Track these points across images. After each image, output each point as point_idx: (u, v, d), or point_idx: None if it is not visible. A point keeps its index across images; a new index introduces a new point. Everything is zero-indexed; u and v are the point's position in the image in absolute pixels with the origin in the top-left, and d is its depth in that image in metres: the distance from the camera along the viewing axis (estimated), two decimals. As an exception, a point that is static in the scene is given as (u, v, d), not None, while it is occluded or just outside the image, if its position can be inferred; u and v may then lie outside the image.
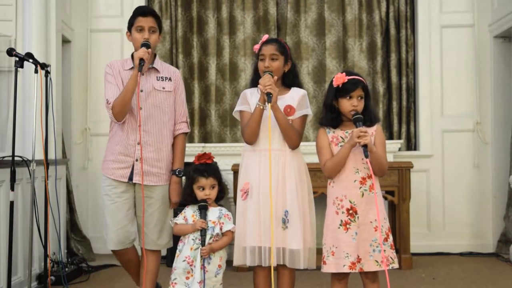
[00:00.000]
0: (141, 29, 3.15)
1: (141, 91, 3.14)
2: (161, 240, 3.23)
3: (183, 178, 3.25)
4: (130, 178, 3.14)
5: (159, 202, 3.20)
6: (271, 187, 2.86)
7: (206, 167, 2.98)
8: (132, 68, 3.14)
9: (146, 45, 3.08)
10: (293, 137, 2.97)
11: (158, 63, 3.26)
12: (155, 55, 3.27)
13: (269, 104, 2.84)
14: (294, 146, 3.00)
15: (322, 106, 2.95)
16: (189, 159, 3.29)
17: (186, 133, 3.33)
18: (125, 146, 3.13)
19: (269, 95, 2.85)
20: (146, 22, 3.15)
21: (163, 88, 3.21)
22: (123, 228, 3.16)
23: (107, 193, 3.17)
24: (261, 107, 2.92)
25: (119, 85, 3.14)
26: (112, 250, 3.23)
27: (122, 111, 3.07)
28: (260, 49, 3.04)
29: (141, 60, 3.02)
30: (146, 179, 3.15)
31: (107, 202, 3.17)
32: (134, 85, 3.04)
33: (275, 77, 2.95)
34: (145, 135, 3.14)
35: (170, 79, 3.25)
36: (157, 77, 3.21)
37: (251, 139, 2.99)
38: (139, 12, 3.18)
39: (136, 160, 3.12)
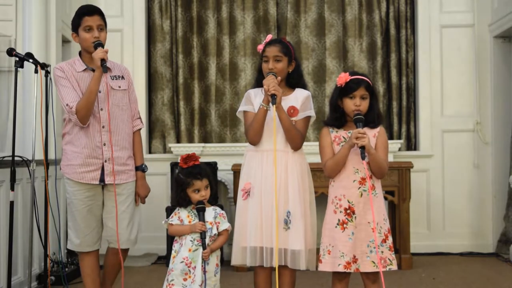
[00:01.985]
0: (90, 29, 3.11)
1: (99, 91, 3.12)
2: (132, 236, 3.25)
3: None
4: (101, 180, 3.13)
5: (129, 199, 3.22)
6: (275, 187, 2.86)
7: (199, 169, 2.96)
8: (85, 69, 3.12)
9: (100, 44, 3.06)
10: (296, 138, 2.96)
11: (108, 62, 3.21)
12: None
13: (273, 105, 2.84)
14: (296, 147, 2.99)
15: (329, 106, 2.96)
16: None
17: (140, 129, 3.37)
18: (92, 149, 3.12)
19: (273, 96, 2.84)
20: (93, 21, 3.11)
21: (119, 86, 3.21)
22: (94, 230, 3.19)
23: (78, 197, 3.15)
24: (265, 108, 2.91)
25: (76, 88, 3.10)
26: (83, 254, 3.23)
27: (87, 114, 3.06)
28: (263, 50, 3.03)
29: (103, 60, 2.99)
30: (118, 178, 3.16)
31: (79, 206, 3.15)
32: (98, 86, 3.02)
33: (279, 78, 2.94)
34: (109, 135, 3.14)
35: (122, 77, 3.25)
36: (111, 76, 3.19)
37: (255, 140, 2.99)
38: (85, 11, 3.13)
39: (105, 161, 3.12)
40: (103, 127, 3.11)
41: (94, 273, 3.26)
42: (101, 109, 3.12)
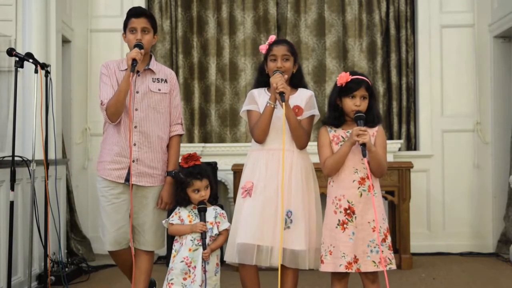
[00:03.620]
0: (134, 30, 3.15)
1: (137, 92, 3.14)
2: (156, 241, 3.24)
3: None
4: (127, 179, 3.13)
5: (154, 202, 3.20)
6: (278, 186, 2.87)
7: (199, 169, 2.97)
8: (127, 69, 3.13)
9: (138, 45, 3.08)
10: (302, 137, 2.97)
11: (154, 64, 3.25)
12: (151, 56, 3.26)
13: (284, 103, 2.83)
14: (302, 146, 3.00)
15: (327, 105, 2.96)
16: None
17: (180, 135, 3.33)
18: (122, 147, 3.12)
19: (282, 94, 2.84)
20: (138, 23, 3.15)
21: (159, 90, 3.20)
22: (120, 229, 3.15)
23: (104, 195, 3.16)
24: (272, 106, 2.92)
25: (114, 86, 3.13)
26: (109, 251, 3.23)
27: (116, 112, 3.07)
28: (270, 50, 3.03)
29: (134, 60, 3.00)
30: (142, 180, 3.15)
31: (104, 203, 3.16)
32: (127, 86, 3.02)
33: (286, 76, 2.95)
34: (141, 136, 3.14)
35: (166, 80, 3.25)
36: (152, 78, 3.21)
37: (262, 138, 2.99)
38: (132, 13, 3.18)
39: (133, 161, 3.11)
40: (135, 127, 3.12)
41: (128, 262, 3.20)
42: (136, 109, 3.12)
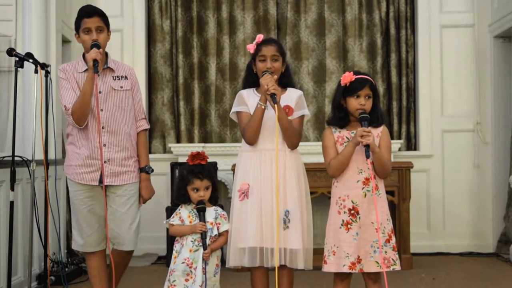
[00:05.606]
0: (88, 31, 3.11)
1: (100, 92, 3.11)
2: (135, 240, 3.22)
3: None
4: (101, 181, 3.12)
5: (131, 200, 3.18)
6: (273, 187, 2.86)
7: (201, 169, 2.97)
8: (86, 70, 3.10)
9: (96, 45, 3.05)
10: (294, 137, 2.97)
11: (112, 62, 3.22)
12: (107, 54, 3.23)
13: (275, 104, 2.82)
14: (294, 146, 3.00)
15: (331, 106, 2.95)
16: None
17: (146, 129, 3.33)
18: (92, 150, 3.10)
19: (273, 96, 2.83)
20: (92, 22, 3.10)
21: (121, 87, 3.19)
22: (98, 229, 3.17)
23: (78, 198, 3.14)
24: (263, 107, 2.91)
25: (75, 89, 3.10)
26: (88, 254, 3.22)
27: (82, 115, 3.04)
28: (259, 50, 3.02)
29: (95, 61, 2.98)
30: (116, 179, 3.14)
31: (80, 206, 3.15)
32: (91, 87, 3.00)
33: (275, 77, 2.95)
34: (110, 136, 3.13)
35: (126, 77, 3.23)
36: (113, 76, 3.19)
37: (253, 140, 2.98)
38: (84, 13, 3.13)
39: (105, 162, 3.10)
40: (102, 127, 3.11)
41: (100, 274, 3.24)
42: (101, 110, 3.10)
